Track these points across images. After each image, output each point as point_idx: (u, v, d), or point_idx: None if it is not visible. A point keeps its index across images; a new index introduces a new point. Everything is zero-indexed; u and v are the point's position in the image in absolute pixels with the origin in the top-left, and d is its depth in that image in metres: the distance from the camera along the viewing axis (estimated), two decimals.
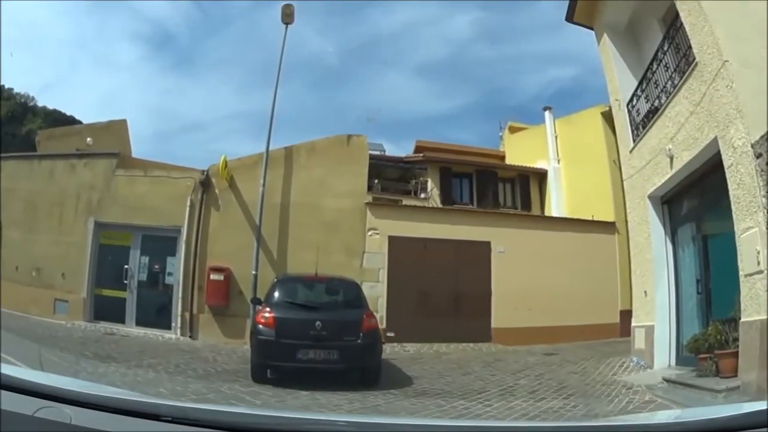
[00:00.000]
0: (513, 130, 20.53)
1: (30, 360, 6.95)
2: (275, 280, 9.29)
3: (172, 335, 12.35)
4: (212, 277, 12.30)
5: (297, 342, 7.58)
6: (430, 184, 16.62)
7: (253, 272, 11.97)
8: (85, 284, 13.06)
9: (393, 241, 12.91)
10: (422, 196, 16.10)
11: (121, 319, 12.76)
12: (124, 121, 14.27)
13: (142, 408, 1.44)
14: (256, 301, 10.34)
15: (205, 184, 12.63)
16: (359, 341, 7.79)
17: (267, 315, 7.89)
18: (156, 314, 12.80)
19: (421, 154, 17.15)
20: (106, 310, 13.02)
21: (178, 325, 12.42)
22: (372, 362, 8.03)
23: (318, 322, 7.66)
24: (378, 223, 12.91)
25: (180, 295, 12.43)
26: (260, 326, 7.82)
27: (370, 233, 12.85)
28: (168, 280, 12.78)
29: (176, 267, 12.62)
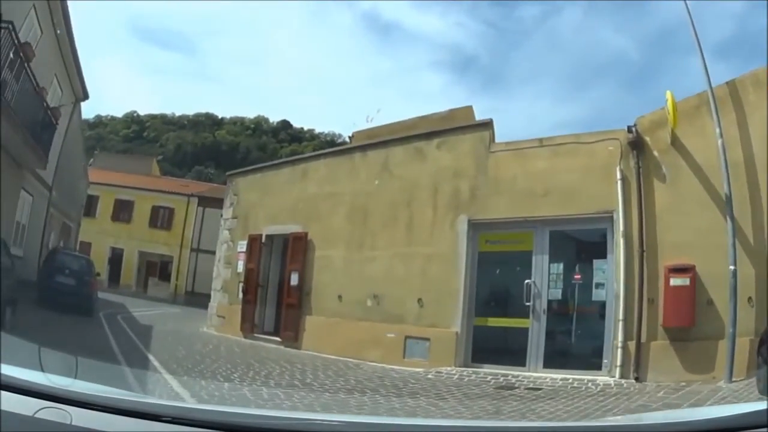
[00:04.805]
0: None
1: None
2: None
3: (608, 379, 8.04)
4: (672, 282, 7.80)
5: None
6: None
7: (731, 267, 7.28)
8: (458, 312, 9.67)
9: None
10: None
11: (519, 360, 8.93)
12: (469, 108, 11.13)
13: (142, 408, 1.41)
14: None
15: (637, 145, 8.47)
16: None
17: None
18: (576, 348, 8.81)
19: None
20: (493, 348, 9.48)
21: (617, 362, 8.12)
22: None
23: None
24: None
25: (620, 315, 8.17)
26: None
27: None
28: (596, 294, 8.66)
29: (609, 274, 8.47)
